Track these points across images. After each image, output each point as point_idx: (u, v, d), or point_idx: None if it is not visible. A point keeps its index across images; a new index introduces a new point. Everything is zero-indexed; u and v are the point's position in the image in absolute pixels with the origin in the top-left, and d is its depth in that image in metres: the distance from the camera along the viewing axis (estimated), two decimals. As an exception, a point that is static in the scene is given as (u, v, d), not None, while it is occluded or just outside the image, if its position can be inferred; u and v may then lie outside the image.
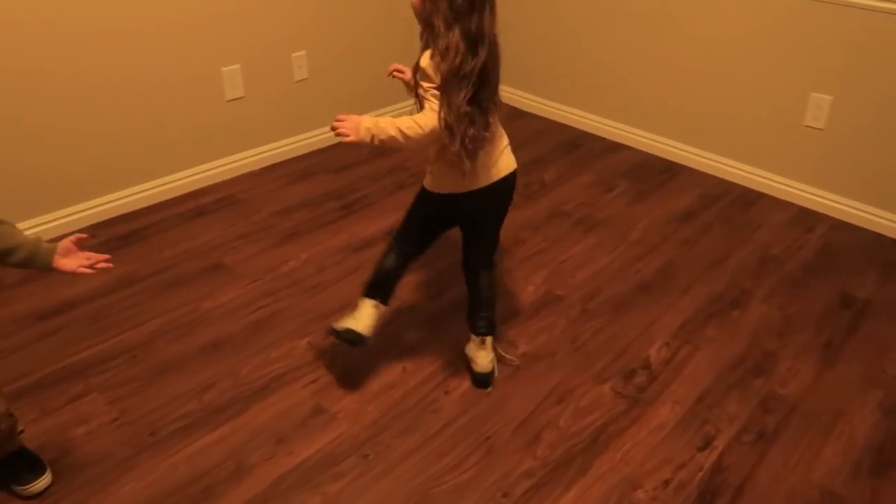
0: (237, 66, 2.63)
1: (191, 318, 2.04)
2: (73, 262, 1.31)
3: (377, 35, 2.98)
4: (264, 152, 2.85)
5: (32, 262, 1.29)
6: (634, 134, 3.04)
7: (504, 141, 1.72)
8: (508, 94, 3.29)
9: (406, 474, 1.60)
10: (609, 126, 3.11)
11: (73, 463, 1.59)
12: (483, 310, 1.82)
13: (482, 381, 1.83)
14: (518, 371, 1.89)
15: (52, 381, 1.81)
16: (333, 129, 1.56)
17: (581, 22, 3.04)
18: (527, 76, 3.29)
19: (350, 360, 1.90)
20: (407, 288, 2.14)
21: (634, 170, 2.89)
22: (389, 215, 2.51)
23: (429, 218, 1.80)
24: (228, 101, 2.65)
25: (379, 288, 1.78)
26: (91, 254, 1.34)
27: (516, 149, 1.74)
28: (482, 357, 1.82)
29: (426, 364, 1.90)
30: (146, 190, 2.56)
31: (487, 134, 1.59)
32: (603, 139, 3.13)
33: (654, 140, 2.99)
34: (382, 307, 1.78)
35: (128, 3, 2.29)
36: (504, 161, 1.70)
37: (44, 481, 1.52)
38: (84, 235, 1.35)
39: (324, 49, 2.87)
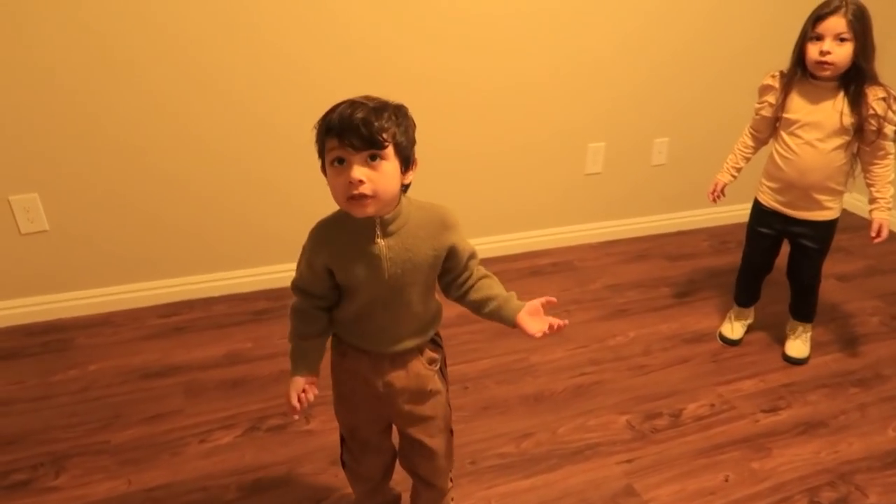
0: (602, 143, 2.78)
1: (520, 367, 2.15)
2: (535, 324, 1.27)
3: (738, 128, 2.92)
4: (606, 228, 2.95)
5: (500, 315, 1.30)
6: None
7: None
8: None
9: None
10: None
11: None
12: None
13: None
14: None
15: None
16: None
17: None
18: None
19: (669, 454, 1.82)
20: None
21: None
22: (722, 314, 2.39)
23: None
24: (586, 174, 2.81)
25: None
26: (553, 319, 1.28)
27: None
28: None
29: (753, 482, 1.74)
30: (492, 243, 2.81)
31: None
32: None
33: None
34: None
35: (511, 77, 2.56)
36: None
37: None
38: (553, 300, 1.29)
39: (684, 137, 2.89)
